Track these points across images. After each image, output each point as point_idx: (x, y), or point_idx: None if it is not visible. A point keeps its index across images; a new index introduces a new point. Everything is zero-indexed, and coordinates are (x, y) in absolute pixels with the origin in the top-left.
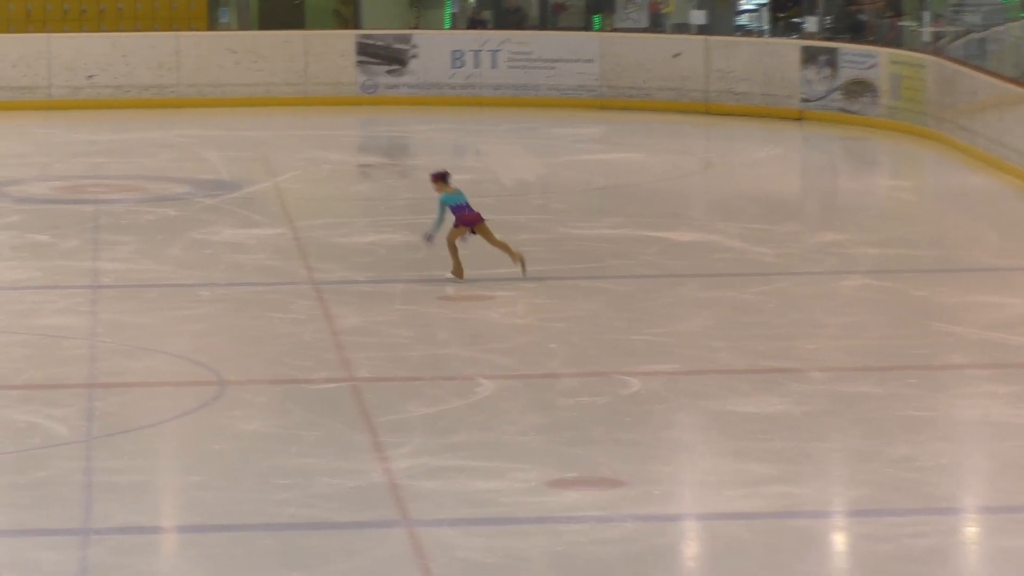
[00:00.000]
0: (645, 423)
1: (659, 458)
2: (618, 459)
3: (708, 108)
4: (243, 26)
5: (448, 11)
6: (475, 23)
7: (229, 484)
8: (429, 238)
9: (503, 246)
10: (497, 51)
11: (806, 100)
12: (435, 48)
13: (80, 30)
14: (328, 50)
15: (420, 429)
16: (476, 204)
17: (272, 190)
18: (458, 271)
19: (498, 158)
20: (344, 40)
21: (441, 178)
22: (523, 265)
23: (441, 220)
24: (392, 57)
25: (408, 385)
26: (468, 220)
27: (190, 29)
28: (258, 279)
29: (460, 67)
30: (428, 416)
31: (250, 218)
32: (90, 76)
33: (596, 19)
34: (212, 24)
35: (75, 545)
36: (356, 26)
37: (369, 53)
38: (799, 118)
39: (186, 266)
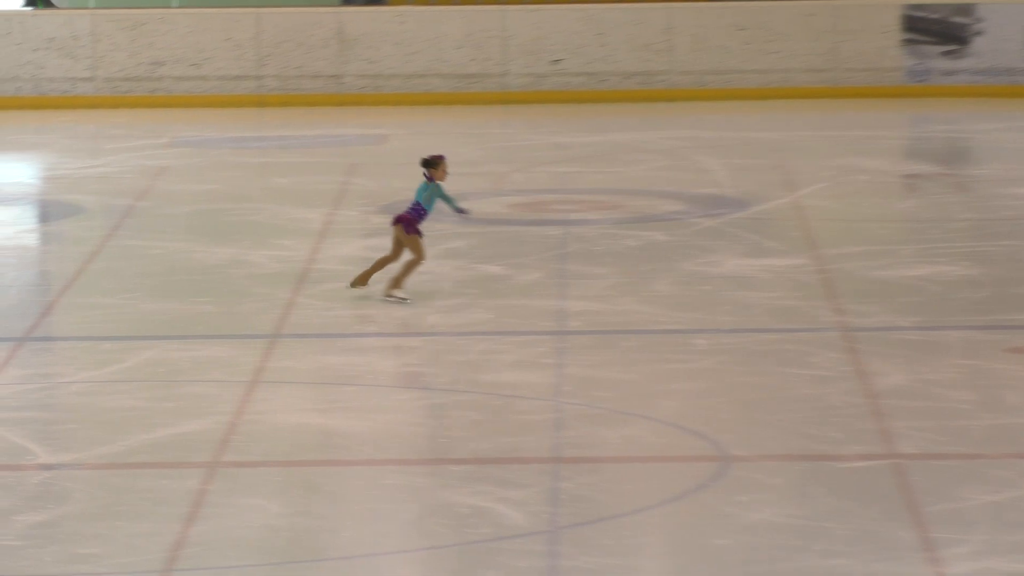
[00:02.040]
0: None
1: None
2: None
3: None
4: None
5: None
6: None
7: None
8: (461, 211)
9: (379, 264)
10: None
11: None
12: (1008, 21)
13: (544, 2)
14: (865, 25)
15: (984, 522)
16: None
17: (790, 208)
18: (361, 280)
19: None
20: (886, 12)
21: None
22: (355, 285)
23: (446, 199)
24: (949, 34)
25: (968, 464)
26: (401, 216)
27: (686, 0)
28: (771, 324)
29: None
30: (995, 505)
31: (761, 244)
32: (556, 61)
33: None
34: None
35: None
36: None
37: (919, 29)
38: None
39: (678, 306)
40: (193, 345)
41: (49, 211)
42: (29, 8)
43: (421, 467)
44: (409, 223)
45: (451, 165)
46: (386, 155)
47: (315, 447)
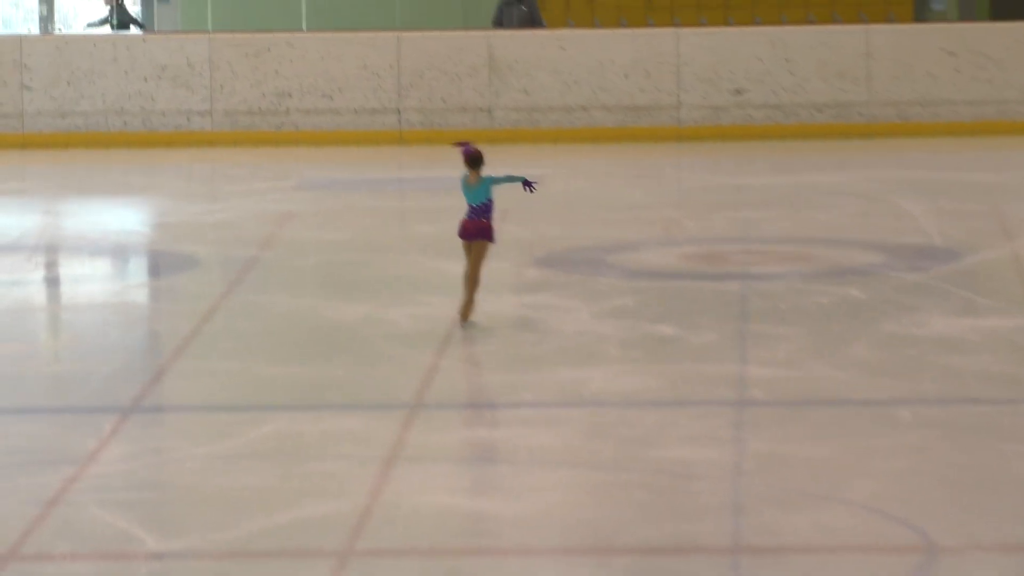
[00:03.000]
0: None
1: None
2: None
3: None
4: (965, 16)
5: None
6: None
7: None
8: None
9: (471, 285)
10: None
11: None
12: None
13: (723, 23)
14: None
15: None
16: None
17: (1008, 260)
18: (466, 310)
19: None
20: None
21: (471, 160)
22: (463, 318)
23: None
24: None
25: None
26: (467, 229)
27: (887, 21)
28: (986, 393)
29: None
30: None
31: (974, 302)
32: (738, 91)
33: None
34: (920, 14)
35: None
36: None
37: None
38: None
39: (877, 372)
40: (323, 416)
41: (159, 263)
42: (138, 31)
43: (583, 557)
44: (490, 230)
45: (616, 209)
46: (543, 199)
47: (462, 533)
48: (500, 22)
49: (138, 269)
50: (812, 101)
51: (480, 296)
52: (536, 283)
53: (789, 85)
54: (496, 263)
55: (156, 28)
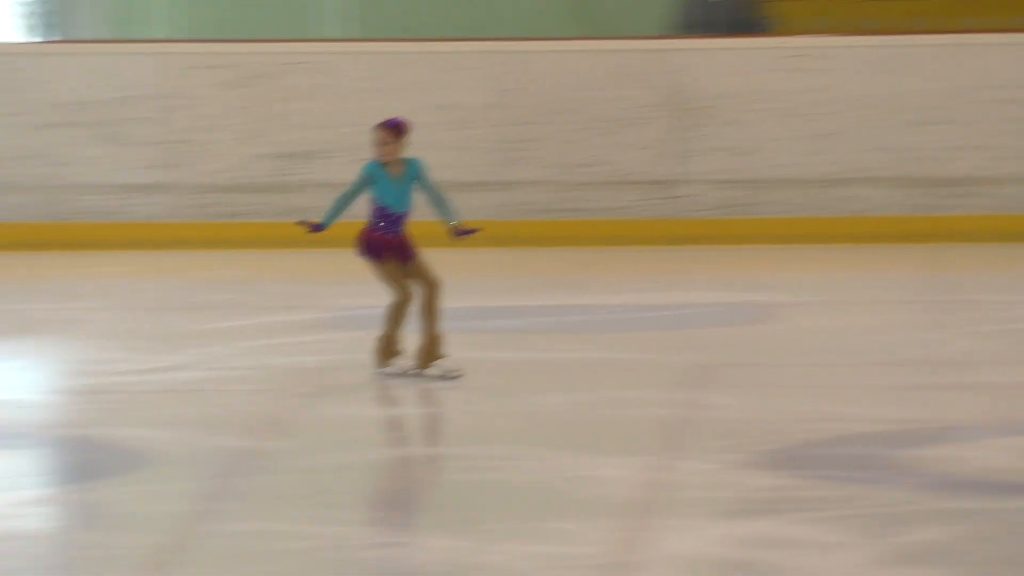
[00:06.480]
0: None
1: None
2: None
3: None
4: None
5: None
6: None
7: None
8: (316, 228)
9: (430, 321)
10: None
11: None
12: None
13: None
14: None
15: None
16: None
17: None
18: (388, 349)
19: None
20: None
21: (394, 131)
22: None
23: (347, 201)
24: None
25: None
26: (378, 243)
27: None
28: None
29: None
30: None
31: None
32: None
33: None
34: None
35: None
36: None
37: None
38: None
39: None
40: None
41: (76, 460)
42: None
43: None
44: (405, 248)
45: (916, 365)
46: (769, 347)
47: None
48: (688, 22)
49: (35, 471)
50: None
51: (662, 523)
52: (764, 499)
53: None
54: (689, 461)
55: None
